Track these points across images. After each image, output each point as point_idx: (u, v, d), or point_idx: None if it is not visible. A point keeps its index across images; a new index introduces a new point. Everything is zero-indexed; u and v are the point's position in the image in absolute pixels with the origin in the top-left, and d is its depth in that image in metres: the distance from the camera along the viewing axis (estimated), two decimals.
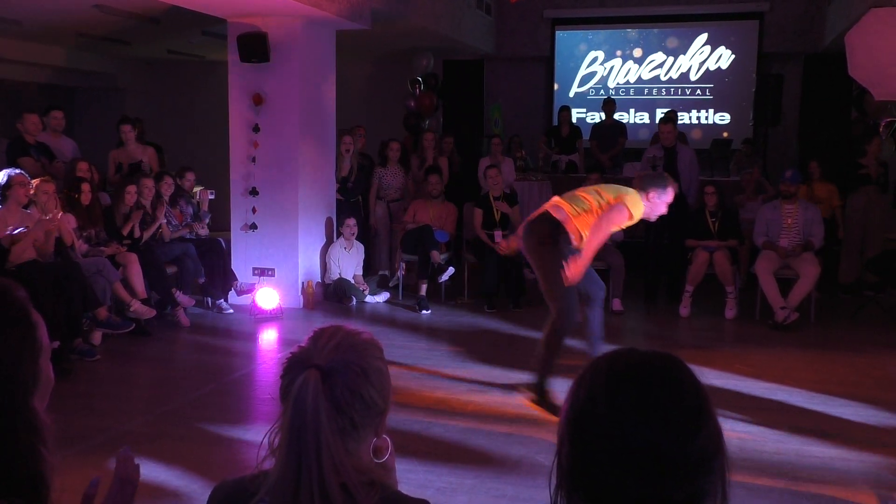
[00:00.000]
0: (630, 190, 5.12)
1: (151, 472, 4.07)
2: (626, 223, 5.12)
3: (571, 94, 12.64)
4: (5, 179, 6.14)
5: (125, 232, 7.14)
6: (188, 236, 7.84)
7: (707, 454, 1.08)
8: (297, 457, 1.27)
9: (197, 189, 8.45)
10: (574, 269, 4.90)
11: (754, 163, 10.22)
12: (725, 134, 11.86)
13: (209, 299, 7.80)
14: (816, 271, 7.28)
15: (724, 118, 12.10)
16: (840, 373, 5.95)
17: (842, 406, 5.18)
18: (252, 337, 7.09)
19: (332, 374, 1.32)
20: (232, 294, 7.89)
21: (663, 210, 5.15)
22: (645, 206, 5.06)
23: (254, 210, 8.02)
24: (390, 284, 8.84)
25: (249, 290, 7.85)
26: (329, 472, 1.26)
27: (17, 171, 6.32)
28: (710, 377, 5.73)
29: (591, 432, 1.09)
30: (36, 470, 1.22)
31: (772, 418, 4.93)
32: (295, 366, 1.35)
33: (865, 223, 8.74)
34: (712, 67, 12.08)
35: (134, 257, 6.94)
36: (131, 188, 7.23)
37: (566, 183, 10.17)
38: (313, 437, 1.26)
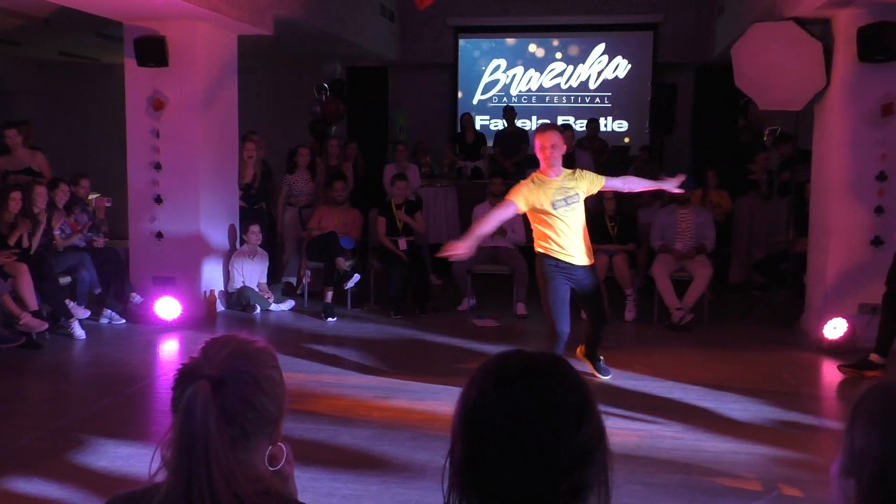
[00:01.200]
0: None
1: (44, 490, 3.92)
2: (509, 208, 5.31)
3: (475, 102, 12.80)
4: None
5: (12, 241, 6.84)
6: (79, 244, 7.56)
7: (589, 447, 1.15)
8: (188, 469, 1.26)
9: (93, 196, 8.17)
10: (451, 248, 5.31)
11: (651, 169, 10.57)
12: (627, 140, 12.22)
13: (108, 311, 7.54)
14: (709, 273, 7.59)
15: (622, 126, 12.48)
16: (731, 370, 6.22)
17: (733, 402, 5.42)
18: (151, 348, 6.90)
19: (223, 384, 1.32)
20: (131, 305, 7.66)
21: (556, 153, 5.25)
22: (541, 159, 5.28)
23: (154, 218, 7.81)
24: (297, 292, 8.76)
25: (146, 302, 7.63)
26: (220, 483, 1.25)
27: None
28: (612, 378, 5.91)
29: (483, 430, 1.14)
30: None
31: (668, 415, 5.11)
32: (185, 377, 1.34)
33: (752, 227, 9.18)
34: (610, 76, 12.45)
35: (24, 268, 6.65)
36: (15, 195, 6.92)
37: (471, 189, 10.31)
38: (203, 448, 1.26)
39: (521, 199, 5.26)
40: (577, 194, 5.31)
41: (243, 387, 1.34)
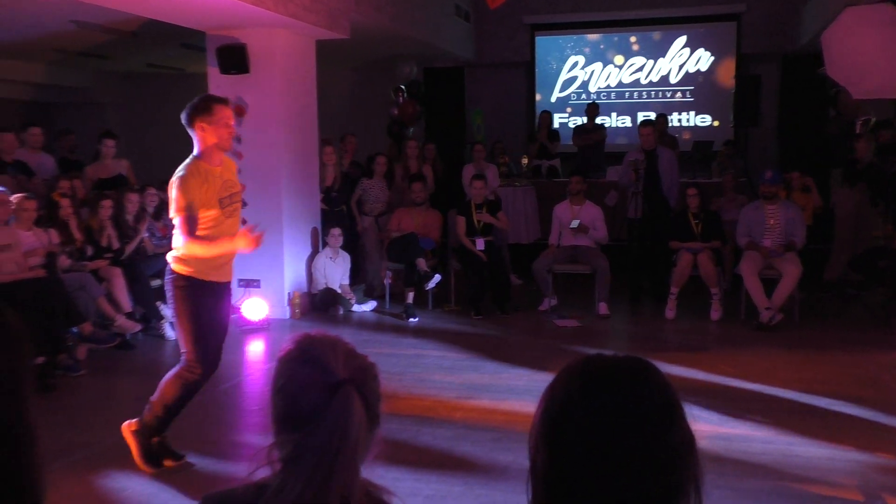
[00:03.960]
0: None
1: (137, 486, 4.05)
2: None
3: (553, 99, 12.70)
4: None
5: (103, 244, 7.10)
6: (166, 246, 7.80)
7: (681, 450, 1.12)
8: (310, 473, 1.24)
9: None
10: None
11: (735, 164, 10.29)
12: (715, 124, 11.88)
13: None
14: (799, 271, 7.32)
15: (704, 120, 12.19)
16: (825, 372, 5.98)
17: (827, 405, 5.20)
18: (239, 348, 7.06)
19: (362, 385, 1.32)
20: None
21: (225, 132, 4.22)
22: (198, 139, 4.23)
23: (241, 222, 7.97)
24: (375, 294, 8.83)
25: (234, 305, 7.81)
26: (335, 487, 1.24)
27: None
28: (698, 378, 5.76)
29: (569, 434, 1.12)
30: (35, 485, 1.25)
31: (758, 419, 4.95)
32: (315, 385, 1.31)
33: (857, 221, 8.78)
34: (692, 70, 12.17)
35: (118, 271, 6.90)
36: (106, 202, 7.19)
37: (550, 188, 10.23)
38: (353, 450, 1.26)
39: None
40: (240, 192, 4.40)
41: (369, 389, 1.34)
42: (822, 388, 5.54)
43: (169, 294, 4.19)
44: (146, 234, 7.56)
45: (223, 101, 4.27)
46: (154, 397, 4.21)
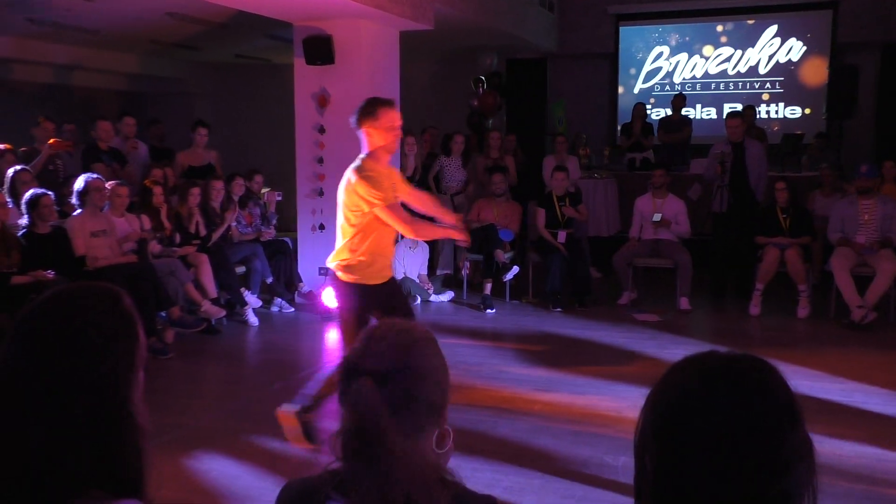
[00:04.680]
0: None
1: (223, 467, 4.16)
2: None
3: (636, 91, 12.48)
4: (83, 185, 6.38)
5: (191, 230, 7.31)
6: (249, 233, 7.98)
7: (797, 455, 1.08)
8: (367, 459, 1.29)
9: (265, 191, 8.60)
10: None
11: (828, 157, 9.92)
12: (799, 131, 11.50)
13: (279, 299, 7.92)
14: (895, 268, 7.02)
15: (794, 112, 11.79)
16: None
17: None
18: (318, 336, 7.18)
19: (386, 379, 1.34)
20: (299, 294, 8.02)
21: (391, 136, 4.20)
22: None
23: (321, 211, 8.11)
24: (457, 278, 8.85)
25: (313, 292, 7.95)
26: (398, 472, 1.27)
27: (94, 176, 6.56)
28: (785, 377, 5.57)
29: (684, 432, 1.08)
30: (139, 466, 1.32)
31: (850, 421, 4.78)
32: (349, 371, 1.37)
33: None
34: (782, 60, 11.78)
35: (205, 258, 7.10)
36: (195, 190, 7.40)
37: (632, 180, 10.07)
38: (377, 441, 1.28)
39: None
40: None
41: (405, 380, 1.35)
42: None
43: (336, 295, 4.27)
44: (234, 224, 7.75)
45: (389, 103, 4.25)
46: (315, 389, 4.21)
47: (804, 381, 5.54)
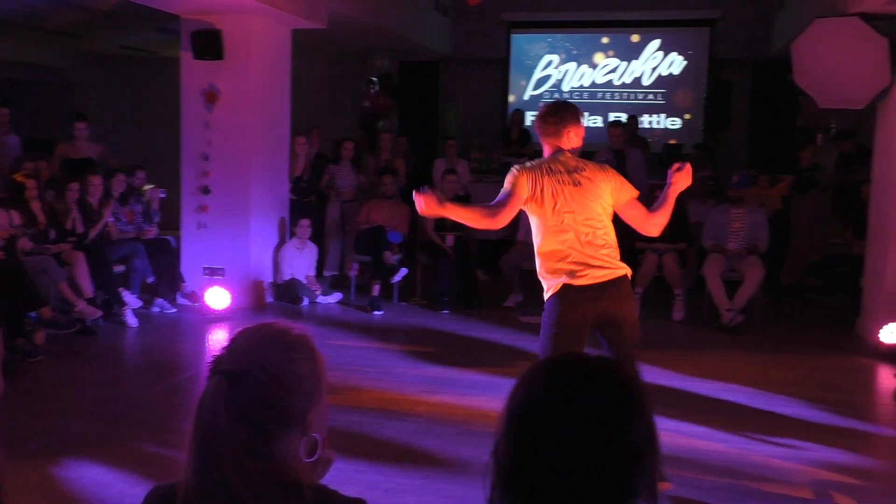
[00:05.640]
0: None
1: (95, 475, 4.00)
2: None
3: (526, 97, 12.73)
4: None
5: (67, 227, 7.01)
6: (128, 231, 7.71)
7: (637, 452, 1.12)
8: (202, 467, 1.27)
9: (147, 187, 8.33)
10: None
11: (705, 167, 10.39)
12: (673, 140, 11.98)
13: (160, 300, 7.68)
14: (761, 274, 7.43)
15: (675, 122, 12.29)
16: (783, 374, 6.08)
17: (784, 406, 5.29)
18: (201, 337, 7.01)
19: (240, 379, 1.31)
20: (182, 294, 7.80)
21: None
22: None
23: (206, 209, 7.92)
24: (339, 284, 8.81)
25: (196, 292, 7.75)
26: (234, 480, 1.25)
27: None
28: (659, 378, 5.82)
29: (529, 428, 1.13)
30: None
31: (717, 418, 5.01)
32: (210, 370, 1.34)
33: (811, 227, 8.95)
34: (664, 73, 12.26)
35: (81, 256, 6.81)
36: (73, 185, 7.10)
37: None
38: (215, 446, 1.26)
39: None
40: None
41: (261, 381, 1.32)
42: (780, 389, 5.63)
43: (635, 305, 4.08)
44: (111, 219, 7.46)
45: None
46: None
47: (677, 380, 5.79)
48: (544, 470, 1.10)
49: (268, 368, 1.33)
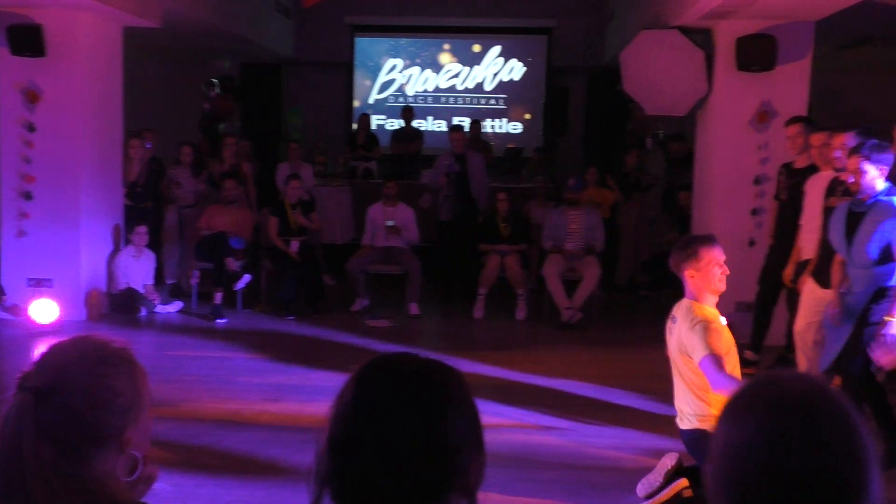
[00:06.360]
0: None
1: None
2: None
3: (371, 101, 12.75)
4: None
5: None
6: None
7: (451, 447, 1.14)
8: (10, 489, 1.20)
9: None
10: None
11: (545, 170, 10.78)
12: (511, 144, 12.34)
13: None
14: (598, 273, 7.78)
15: (516, 127, 12.66)
16: (618, 367, 6.39)
17: (618, 398, 5.57)
18: (23, 354, 6.55)
19: (48, 396, 1.25)
20: (2, 308, 7.27)
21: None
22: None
23: (27, 215, 7.42)
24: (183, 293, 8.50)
25: (18, 305, 7.25)
26: (46, 500, 1.19)
27: None
28: (502, 375, 5.99)
29: (344, 436, 1.14)
30: None
31: (557, 412, 5.20)
32: (17, 387, 1.27)
33: (637, 227, 9.47)
34: (505, 78, 12.62)
35: None
36: None
37: (366, 189, 10.26)
38: (21, 467, 1.19)
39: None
40: None
41: (70, 398, 1.26)
42: (616, 381, 5.91)
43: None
44: None
45: (710, 240, 3.79)
46: None
47: (520, 377, 5.97)
48: (358, 468, 1.12)
49: (78, 385, 1.27)
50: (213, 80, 10.94)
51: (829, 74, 8.67)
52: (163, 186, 8.71)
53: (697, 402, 3.61)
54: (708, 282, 3.62)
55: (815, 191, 5.41)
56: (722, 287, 3.66)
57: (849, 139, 4.87)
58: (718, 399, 3.48)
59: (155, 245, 8.36)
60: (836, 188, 5.04)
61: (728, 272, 3.69)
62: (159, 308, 7.88)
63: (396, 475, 1.11)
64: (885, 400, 4.42)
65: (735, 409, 1.12)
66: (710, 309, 3.64)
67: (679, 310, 3.74)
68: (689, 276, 3.67)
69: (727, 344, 3.57)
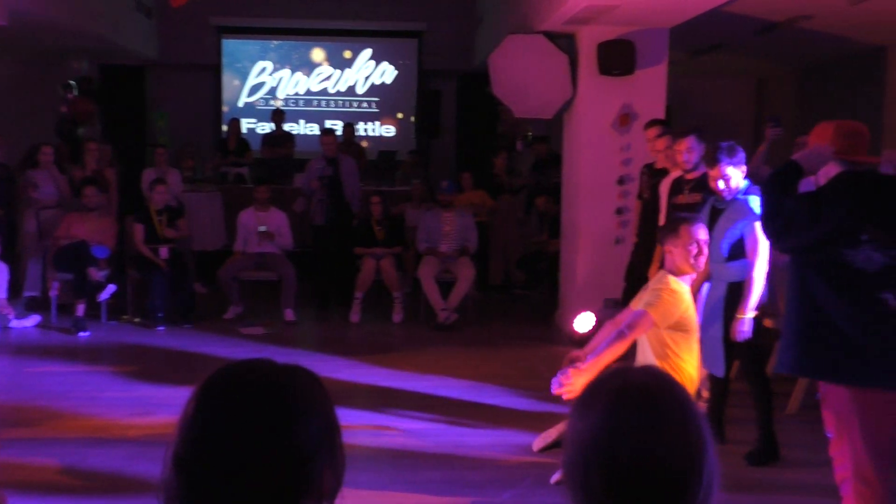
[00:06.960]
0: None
1: None
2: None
3: (241, 104, 12.47)
4: None
5: None
6: None
7: (302, 454, 1.12)
8: None
9: None
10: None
11: (418, 173, 10.84)
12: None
13: None
14: (472, 274, 7.90)
15: (389, 130, 12.68)
16: (493, 366, 6.51)
17: (494, 396, 5.67)
18: None
19: None
20: None
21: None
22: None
23: None
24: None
25: None
26: None
27: None
28: (380, 378, 5.99)
29: (191, 446, 1.13)
30: None
31: (433, 412, 5.25)
32: None
33: (506, 228, 9.69)
34: (377, 82, 12.61)
35: None
36: None
37: (237, 194, 10.03)
38: None
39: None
40: None
41: None
42: (492, 380, 6.02)
43: None
44: None
45: (693, 220, 4.09)
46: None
47: (397, 380, 5.98)
48: (204, 484, 1.10)
49: None
50: (71, 81, 10.41)
51: (683, 79, 9.14)
52: (18, 190, 8.23)
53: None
54: (684, 257, 3.94)
55: (665, 190, 5.70)
56: (699, 266, 4.01)
57: (691, 142, 5.18)
58: (678, 366, 3.87)
59: (9, 256, 7.88)
60: (684, 186, 5.32)
61: (705, 253, 4.02)
62: (14, 323, 7.44)
63: (244, 489, 1.09)
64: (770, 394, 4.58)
65: (584, 400, 1.18)
66: (681, 284, 3.96)
67: (654, 277, 4.16)
68: (668, 251, 4.01)
69: (680, 321, 3.89)
